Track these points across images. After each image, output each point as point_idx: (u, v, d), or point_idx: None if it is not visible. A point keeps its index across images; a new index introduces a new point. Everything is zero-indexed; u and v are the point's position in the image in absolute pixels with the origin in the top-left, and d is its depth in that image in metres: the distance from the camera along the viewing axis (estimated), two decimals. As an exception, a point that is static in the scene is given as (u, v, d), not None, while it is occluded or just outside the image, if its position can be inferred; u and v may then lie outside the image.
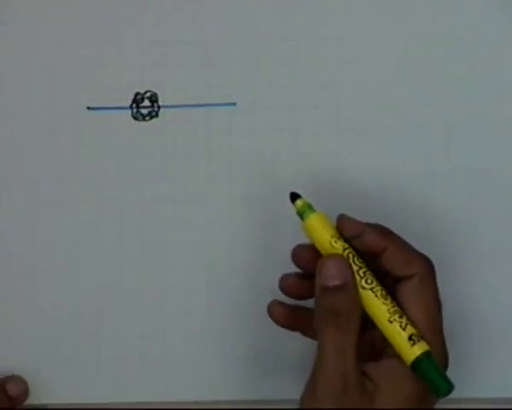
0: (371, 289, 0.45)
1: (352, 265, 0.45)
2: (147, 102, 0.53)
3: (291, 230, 0.53)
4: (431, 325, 0.45)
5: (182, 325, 0.53)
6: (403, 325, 0.44)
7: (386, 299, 0.45)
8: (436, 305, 0.45)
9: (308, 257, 0.47)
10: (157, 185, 0.53)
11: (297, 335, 0.50)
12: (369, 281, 0.45)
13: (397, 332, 0.44)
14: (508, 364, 0.53)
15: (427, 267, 0.45)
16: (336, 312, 0.44)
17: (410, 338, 0.44)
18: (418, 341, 0.44)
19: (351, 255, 0.45)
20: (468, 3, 0.53)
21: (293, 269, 0.49)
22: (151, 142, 0.53)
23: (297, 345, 0.52)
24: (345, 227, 0.46)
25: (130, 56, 0.53)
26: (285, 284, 0.49)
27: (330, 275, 0.45)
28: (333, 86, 0.53)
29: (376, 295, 0.45)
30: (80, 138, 0.53)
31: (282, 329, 0.50)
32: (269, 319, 0.49)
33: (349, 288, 0.45)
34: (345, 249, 0.46)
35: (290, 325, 0.49)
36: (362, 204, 0.53)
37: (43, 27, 0.53)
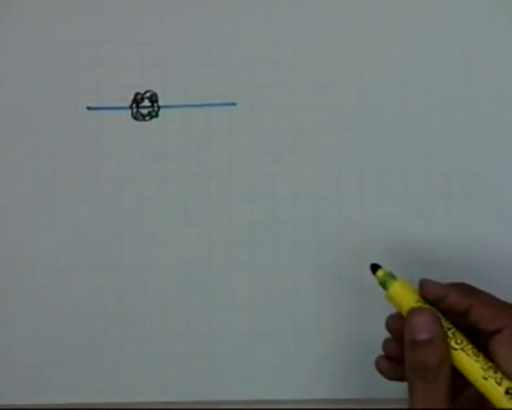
0: (462, 348, 0.45)
1: (450, 337, 0.45)
2: (147, 102, 0.53)
3: (291, 229, 0.53)
4: None
5: (182, 326, 0.53)
6: (498, 380, 0.44)
7: (478, 356, 0.45)
8: None
9: (400, 326, 0.47)
10: (157, 185, 0.53)
11: (297, 335, 0.50)
12: (458, 341, 0.45)
13: (493, 388, 0.44)
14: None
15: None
16: (424, 366, 0.44)
17: (507, 392, 0.44)
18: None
19: (438, 316, 0.46)
20: (468, 3, 0.53)
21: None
22: (151, 142, 0.53)
23: (297, 345, 0.52)
24: (428, 291, 0.46)
25: (130, 56, 0.53)
26: (386, 349, 0.49)
27: (418, 329, 0.45)
28: (333, 86, 0.53)
29: (468, 354, 0.45)
30: (80, 138, 0.53)
31: (281, 329, 0.50)
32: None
33: (437, 342, 0.45)
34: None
35: (398, 378, 0.49)
36: (361, 204, 0.53)
37: (43, 27, 0.53)
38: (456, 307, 0.46)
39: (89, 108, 0.53)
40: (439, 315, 0.46)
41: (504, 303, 0.46)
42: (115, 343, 0.53)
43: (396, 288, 0.47)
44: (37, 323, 0.53)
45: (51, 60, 0.53)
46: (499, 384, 0.44)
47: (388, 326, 0.48)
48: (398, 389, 0.53)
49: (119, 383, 0.53)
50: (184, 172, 0.53)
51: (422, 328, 0.45)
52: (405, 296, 0.47)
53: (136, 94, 0.54)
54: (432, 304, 0.46)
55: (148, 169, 0.53)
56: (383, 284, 0.47)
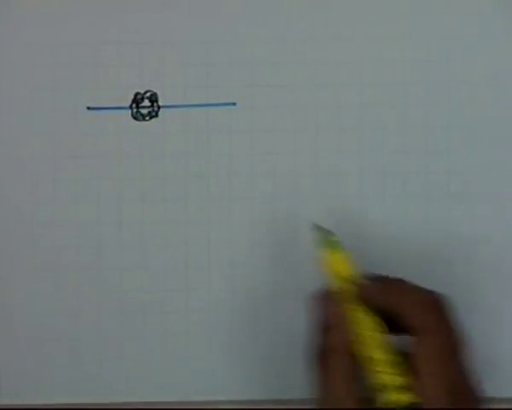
0: (365, 336, 0.45)
1: (358, 325, 0.46)
2: (147, 102, 0.53)
3: (291, 229, 0.53)
4: (433, 383, 0.44)
5: (182, 326, 0.53)
6: (389, 375, 0.44)
7: (379, 348, 0.45)
8: (442, 359, 0.44)
9: None
10: (157, 185, 0.53)
11: (297, 335, 0.51)
12: (364, 327, 0.45)
13: (383, 383, 0.44)
14: (508, 364, 0.53)
15: (432, 319, 0.45)
16: (327, 348, 0.45)
17: (394, 390, 0.44)
18: (403, 393, 0.44)
19: (341, 301, 0.46)
20: (468, 3, 0.53)
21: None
22: (151, 142, 0.53)
23: (297, 346, 0.52)
24: (359, 292, 0.47)
25: (130, 56, 0.53)
26: None
27: (322, 313, 0.46)
28: (333, 86, 0.54)
29: (369, 343, 0.45)
30: (80, 138, 0.53)
31: (281, 330, 0.50)
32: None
33: (341, 327, 0.45)
34: (349, 292, 0.46)
35: None
36: (361, 203, 0.53)
37: (43, 27, 0.53)
38: (382, 304, 0.46)
39: (89, 108, 0.53)
40: (351, 299, 0.46)
41: (426, 301, 0.45)
42: (115, 343, 0.53)
43: (336, 256, 0.47)
44: (37, 323, 0.53)
45: (51, 60, 0.53)
46: (389, 380, 0.44)
47: (313, 299, 0.48)
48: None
49: (119, 383, 0.53)
50: (184, 172, 0.53)
51: (329, 312, 0.46)
52: (340, 267, 0.47)
53: (136, 94, 0.54)
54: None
55: (148, 169, 0.53)
56: (326, 246, 0.48)
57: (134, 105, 0.54)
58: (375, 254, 0.53)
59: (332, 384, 0.45)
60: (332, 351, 0.45)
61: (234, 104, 0.54)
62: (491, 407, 0.53)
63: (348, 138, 0.53)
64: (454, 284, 0.53)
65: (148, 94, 0.54)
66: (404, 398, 0.44)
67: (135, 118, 0.54)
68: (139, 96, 0.54)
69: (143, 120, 0.54)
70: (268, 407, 0.53)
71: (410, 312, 0.45)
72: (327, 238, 0.48)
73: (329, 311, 0.46)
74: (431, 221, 0.53)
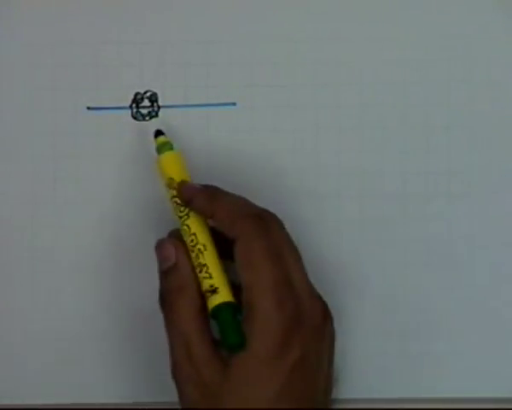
0: (192, 247, 0.46)
1: (177, 212, 0.48)
2: (147, 102, 0.53)
3: (291, 228, 0.53)
4: (258, 283, 0.44)
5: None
6: (200, 280, 0.45)
7: (192, 252, 0.46)
8: (265, 260, 0.44)
9: None
10: (157, 185, 0.53)
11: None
12: (182, 231, 0.47)
13: (201, 284, 0.45)
14: (508, 364, 0.53)
15: (250, 226, 0.45)
16: (169, 292, 0.46)
17: (208, 290, 0.45)
18: (210, 295, 0.45)
19: (175, 204, 0.48)
20: (468, 3, 0.53)
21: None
22: (151, 142, 0.53)
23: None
24: (181, 192, 0.48)
25: (129, 56, 0.53)
26: None
27: (161, 259, 0.47)
28: (333, 86, 0.54)
29: (193, 251, 0.46)
30: (80, 138, 0.53)
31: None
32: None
33: (178, 267, 0.46)
34: (172, 198, 0.48)
35: None
36: (360, 202, 0.53)
37: (43, 27, 0.53)
38: (203, 211, 0.47)
39: (89, 108, 0.53)
40: (185, 218, 0.47)
41: (244, 212, 0.46)
42: (116, 343, 0.53)
43: (164, 158, 0.49)
44: (37, 323, 0.53)
45: (51, 60, 0.53)
46: (203, 281, 0.45)
47: None
48: (398, 389, 0.53)
49: (119, 383, 0.53)
50: (184, 172, 0.53)
51: (165, 257, 0.47)
52: (171, 167, 0.49)
53: (136, 94, 0.54)
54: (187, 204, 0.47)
55: (148, 169, 0.53)
56: (158, 150, 0.49)
57: (134, 105, 0.54)
58: (375, 254, 0.53)
59: (178, 327, 0.45)
60: (172, 293, 0.46)
61: (234, 104, 0.54)
62: (492, 407, 0.53)
63: (348, 138, 0.53)
64: (454, 283, 0.53)
65: (148, 94, 0.54)
66: (219, 299, 0.45)
67: (135, 118, 0.54)
68: (139, 96, 0.54)
69: (143, 120, 0.54)
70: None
71: (228, 221, 0.46)
72: (160, 142, 0.50)
73: (165, 253, 0.47)
74: (431, 221, 0.53)
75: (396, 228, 0.53)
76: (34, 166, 0.53)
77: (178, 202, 0.48)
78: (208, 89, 0.54)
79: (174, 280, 0.46)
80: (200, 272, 0.46)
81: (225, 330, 0.44)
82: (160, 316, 0.54)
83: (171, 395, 0.53)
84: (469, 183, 0.53)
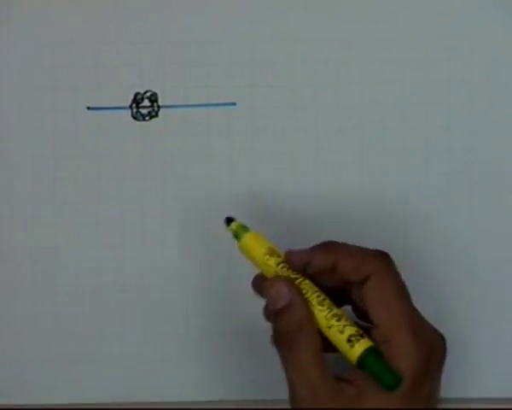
0: (307, 298, 0.45)
1: (303, 286, 0.46)
2: (147, 102, 0.53)
3: (291, 229, 0.53)
4: (394, 319, 0.44)
5: (182, 326, 0.53)
6: (340, 328, 0.44)
7: (322, 305, 0.45)
8: (398, 297, 0.44)
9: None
10: (157, 185, 0.53)
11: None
12: (303, 291, 0.45)
13: (337, 337, 0.44)
14: (508, 364, 0.53)
15: (380, 264, 0.45)
16: (286, 332, 0.45)
17: (348, 340, 0.44)
18: (358, 340, 0.44)
19: (285, 269, 0.46)
20: (469, 3, 0.53)
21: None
22: (151, 142, 0.53)
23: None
24: (294, 261, 0.46)
25: (129, 56, 0.53)
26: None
27: (275, 298, 0.45)
28: (333, 86, 0.54)
29: (313, 304, 0.45)
30: (80, 138, 0.53)
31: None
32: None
33: (294, 306, 0.45)
34: (278, 264, 0.46)
35: None
36: (361, 202, 0.53)
37: (44, 27, 0.53)
38: (324, 266, 0.46)
39: (89, 108, 0.53)
40: (287, 266, 0.46)
41: (368, 252, 0.46)
42: (116, 343, 0.53)
43: (247, 239, 0.47)
44: (37, 323, 0.53)
45: (51, 60, 0.53)
46: (341, 332, 0.44)
47: (255, 287, 0.48)
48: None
49: (119, 383, 0.53)
50: (184, 172, 0.53)
51: (278, 296, 0.45)
52: (255, 248, 0.47)
53: (136, 94, 0.54)
54: (303, 272, 0.46)
55: (148, 169, 0.53)
56: (236, 236, 0.48)
57: (134, 105, 0.54)
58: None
59: (300, 366, 0.44)
60: (291, 333, 0.45)
61: (234, 104, 0.54)
62: (492, 407, 0.53)
63: (348, 138, 0.53)
64: (454, 283, 0.53)
65: (148, 94, 0.54)
66: (364, 344, 0.44)
67: (135, 118, 0.54)
68: (139, 96, 0.54)
69: (143, 120, 0.54)
70: (268, 407, 0.53)
71: (355, 263, 0.45)
72: (234, 227, 0.48)
73: (279, 292, 0.46)
74: (431, 221, 0.53)
75: (396, 228, 0.53)
76: (34, 166, 0.53)
77: (288, 266, 0.46)
78: (208, 89, 0.54)
79: (291, 318, 0.45)
80: (339, 320, 0.45)
81: (381, 372, 0.43)
82: (159, 316, 0.54)
83: (171, 395, 0.54)
84: (469, 182, 0.53)
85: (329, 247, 0.46)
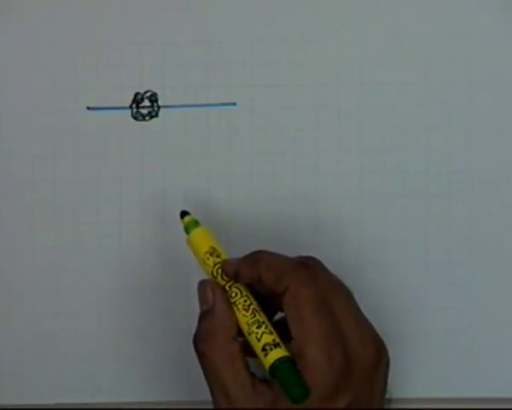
0: (234, 302, 0.46)
1: (220, 281, 0.47)
2: (147, 102, 0.53)
3: (291, 229, 0.53)
4: (307, 333, 0.44)
5: (182, 326, 0.53)
6: (258, 335, 0.45)
7: (246, 311, 0.45)
8: (313, 310, 0.44)
9: None
10: (157, 185, 0.53)
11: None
12: (233, 294, 0.46)
13: (254, 344, 0.45)
14: (508, 364, 0.53)
15: (297, 277, 0.45)
16: (204, 336, 0.46)
17: (263, 349, 0.44)
18: (271, 349, 0.44)
19: (220, 271, 0.47)
20: (469, 3, 0.53)
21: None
22: (151, 142, 0.53)
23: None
24: (225, 270, 0.47)
25: (130, 56, 0.54)
26: None
27: (201, 301, 0.47)
28: (333, 86, 0.54)
29: (238, 309, 0.46)
30: (80, 138, 0.53)
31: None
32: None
33: (214, 311, 0.46)
34: (215, 265, 0.47)
35: None
36: (361, 202, 0.53)
37: (44, 27, 0.53)
38: (250, 277, 0.46)
39: (89, 108, 0.53)
40: (232, 283, 0.47)
41: (288, 263, 0.46)
42: (115, 343, 0.53)
43: (194, 234, 0.49)
44: (37, 323, 0.53)
45: (51, 60, 0.53)
46: (258, 340, 0.44)
47: None
48: (399, 389, 0.53)
49: (119, 383, 0.53)
50: (184, 172, 0.53)
51: (203, 299, 0.47)
52: (199, 244, 0.48)
53: (136, 94, 0.54)
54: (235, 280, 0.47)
55: (148, 169, 0.53)
56: (186, 230, 0.49)
57: (134, 105, 0.54)
58: (375, 254, 0.53)
59: (215, 371, 0.45)
60: (208, 337, 0.46)
61: (234, 104, 0.54)
62: (492, 407, 0.53)
63: (348, 138, 0.53)
64: (454, 284, 0.53)
65: (148, 94, 0.54)
66: (277, 354, 0.44)
67: (135, 118, 0.54)
68: (139, 96, 0.54)
69: (143, 120, 0.54)
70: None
71: (274, 275, 0.45)
72: (187, 221, 0.49)
73: (203, 295, 0.47)
74: (431, 221, 0.53)
75: (396, 228, 0.53)
76: (34, 166, 0.53)
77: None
78: (208, 89, 0.54)
79: (208, 325, 0.46)
80: (259, 327, 0.45)
81: (289, 383, 0.43)
82: (159, 316, 0.54)
83: (170, 395, 0.54)
84: (469, 183, 0.53)
85: (254, 258, 0.47)
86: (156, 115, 0.54)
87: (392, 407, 0.53)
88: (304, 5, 0.53)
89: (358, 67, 0.54)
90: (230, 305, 0.46)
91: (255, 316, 0.45)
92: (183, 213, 0.50)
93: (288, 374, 0.43)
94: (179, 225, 0.53)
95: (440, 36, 0.53)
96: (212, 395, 0.45)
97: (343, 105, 0.54)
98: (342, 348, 0.44)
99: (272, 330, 0.45)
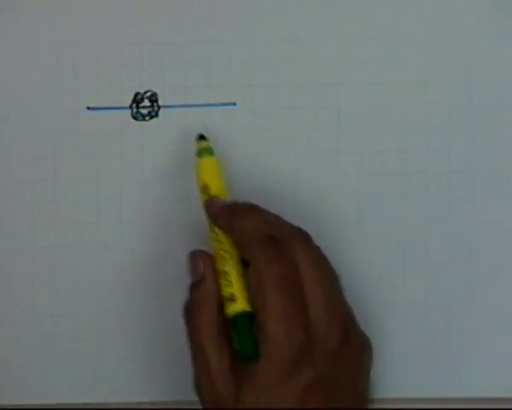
0: (217, 252, 0.47)
1: (211, 233, 0.48)
2: (147, 102, 0.53)
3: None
4: (265, 309, 0.44)
5: (182, 326, 0.53)
6: (225, 283, 0.46)
7: (222, 260, 0.47)
8: (273, 288, 0.45)
9: None
10: (157, 185, 0.53)
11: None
12: (218, 245, 0.48)
13: (222, 290, 0.46)
14: (508, 364, 0.53)
15: (261, 253, 0.45)
16: (199, 305, 0.47)
17: (228, 298, 0.46)
18: (234, 301, 0.45)
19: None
20: (468, 3, 0.53)
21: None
22: (151, 142, 0.53)
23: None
24: (207, 209, 0.49)
25: (129, 56, 0.54)
26: None
27: (191, 272, 0.48)
28: (333, 86, 0.54)
29: (223, 257, 0.47)
30: (80, 138, 0.53)
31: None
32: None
33: (205, 281, 0.47)
34: (204, 202, 0.49)
35: None
36: (361, 202, 0.53)
37: (43, 27, 0.53)
38: (224, 231, 0.48)
39: (89, 108, 0.54)
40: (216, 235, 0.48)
41: (259, 237, 0.46)
42: (115, 343, 0.53)
43: (206, 162, 0.50)
44: (36, 323, 0.53)
45: (51, 60, 0.53)
46: (225, 287, 0.46)
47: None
48: (397, 389, 0.53)
49: (118, 383, 0.53)
50: (184, 172, 0.53)
51: (194, 270, 0.48)
52: (208, 174, 0.50)
53: (136, 94, 0.54)
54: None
55: (148, 169, 0.53)
56: (199, 153, 0.50)
57: (134, 105, 0.54)
58: (375, 254, 0.53)
59: (197, 343, 0.46)
60: (193, 308, 0.47)
61: (234, 104, 0.54)
62: (492, 407, 0.53)
63: (348, 138, 0.53)
64: (454, 283, 0.53)
65: (148, 94, 0.54)
66: (235, 307, 0.45)
67: (135, 118, 0.54)
68: (139, 96, 0.54)
69: (143, 120, 0.54)
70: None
71: (241, 243, 0.47)
72: (201, 146, 0.50)
73: (194, 266, 0.48)
74: (431, 221, 0.53)
75: (396, 228, 0.53)
76: (34, 166, 0.53)
77: None
78: (208, 89, 0.54)
79: (197, 295, 0.47)
80: (222, 278, 0.46)
81: (240, 340, 0.45)
82: (159, 316, 0.54)
83: (170, 395, 0.54)
84: (469, 183, 0.53)
85: (234, 213, 0.47)
86: (156, 115, 0.54)
87: (392, 407, 0.53)
88: (304, 5, 0.53)
89: (358, 67, 0.54)
90: (220, 276, 0.47)
91: (221, 265, 0.47)
92: (201, 137, 0.51)
93: (241, 331, 0.45)
94: (179, 225, 0.53)
95: (440, 36, 0.53)
96: (194, 364, 0.46)
97: (343, 105, 0.54)
98: (304, 326, 0.44)
99: (236, 281, 0.46)
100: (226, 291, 0.46)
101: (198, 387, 0.47)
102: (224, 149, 0.53)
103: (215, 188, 0.49)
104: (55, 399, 0.53)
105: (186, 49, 0.53)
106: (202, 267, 0.48)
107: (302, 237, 0.47)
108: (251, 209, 0.48)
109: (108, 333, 0.53)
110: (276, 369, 0.44)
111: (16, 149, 0.53)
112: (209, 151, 0.50)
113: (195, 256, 0.48)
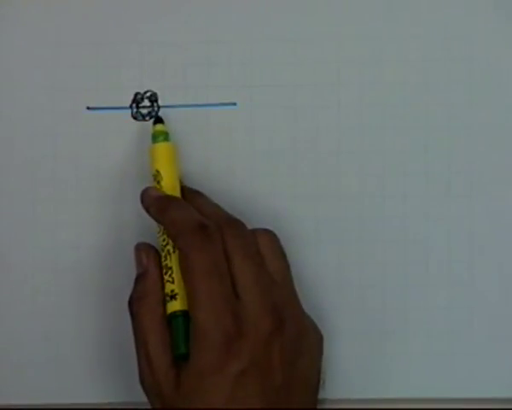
0: (163, 247, 0.48)
1: (157, 228, 0.48)
2: (147, 102, 0.53)
3: (291, 229, 0.53)
4: (193, 298, 0.45)
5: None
6: (168, 279, 0.47)
7: (167, 255, 0.47)
8: (203, 275, 0.45)
9: None
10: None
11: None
12: (162, 238, 0.48)
13: (164, 287, 0.47)
14: (508, 364, 0.53)
15: (187, 242, 0.45)
16: (142, 295, 0.47)
17: (171, 297, 0.46)
18: (174, 299, 0.46)
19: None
20: (468, 3, 0.53)
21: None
22: (151, 142, 0.53)
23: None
24: (141, 198, 0.49)
25: (130, 56, 0.54)
26: None
27: (135, 265, 0.49)
28: (333, 86, 0.53)
29: (163, 251, 0.48)
30: (80, 138, 0.53)
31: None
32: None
33: (148, 273, 0.48)
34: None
35: None
36: (361, 202, 0.53)
37: (43, 27, 0.53)
38: (156, 220, 0.48)
39: (89, 108, 0.54)
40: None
41: (189, 225, 0.46)
42: (115, 343, 0.53)
43: (160, 147, 0.50)
44: (36, 323, 0.53)
45: (51, 60, 0.53)
46: (166, 285, 0.47)
47: None
48: (396, 389, 0.53)
49: (118, 383, 0.53)
50: (184, 172, 0.53)
51: (138, 263, 0.49)
52: (160, 160, 0.49)
53: (136, 94, 0.54)
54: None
55: (147, 169, 0.53)
56: (153, 138, 0.50)
57: (134, 105, 0.54)
58: (375, 254, 0.53)
59: (139, 337, 0.47)
60: (136, 301, 0.47)
61: (234, 104, 0.54)
62: (492, 407, 0.53)
63: (348, 138, 0.53)
64: (453, 283, 0.53)
65: (148, 94, 0.54)
66: (175, 306, 0.46)
67: (135, 118, 0.54)
68: (139, 96, 0.54)
69: (143, 120, 0.54)
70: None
71: (174, 231, 0.47)
72: (156, 130, 0.50)
73: (138, 258, 0.48)
74: (431, 221, 0.53)
75: (396, 228, 0.53)
76: (34, 166, 0.53)
77: None
78: (208, 89, 0.54)
79: (140, 287, 0.48)
80: (166, 274, 0.47)
81: (174, 339, 0.45)
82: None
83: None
84: (469, 183, 0.53)
85: (164, 204, 0.48)
86: (156, 115, 0.54)
87: (389, 407, 0.53)
88: (304, 5, 0.53)
89: (358, 67, 0.54)
90: (162, 269, 0.47)
91: (166, 260, 0.47)
92: (157, 120, 0.51)
93: (175, 330, 0.45)
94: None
95: (440, 36, 0.53)
96: (137, 353, 0.47)
97: (343, 105, 0.54)
98: (233, 314, 0.44)
99: (179, 278, 0.46)
100: (168, 288, 0.46)
101: (143, 383, 0.47)
102: (224, 148, 0.53)
103: (167, 176, 0.49)
104: (55, 399, 0.53)
105: (186, 49, 0.53)
106: (146, 260, 0.48)
107: (235, 225, 0.47)
108: (182, 201, 0.48)
109: (108, 333, 0.53)
110: (207, 358, 0.44)
111: (16, 149, 0.53)
112: (164, 136, 0.50)
113: (139, 249, 0.49)
